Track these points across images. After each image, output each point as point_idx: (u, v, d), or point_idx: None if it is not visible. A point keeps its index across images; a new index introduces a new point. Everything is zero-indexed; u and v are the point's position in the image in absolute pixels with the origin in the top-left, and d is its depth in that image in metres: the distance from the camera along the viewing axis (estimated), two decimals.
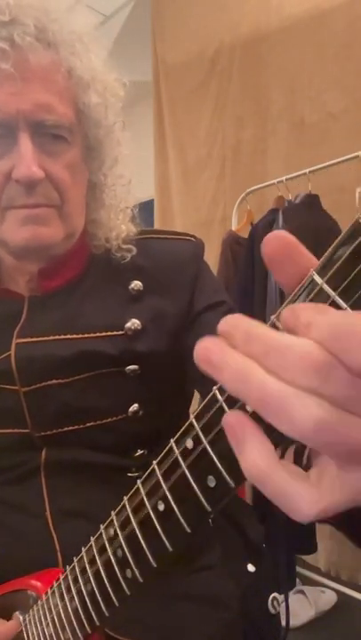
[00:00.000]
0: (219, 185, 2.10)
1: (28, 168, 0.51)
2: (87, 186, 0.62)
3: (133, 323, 0.58)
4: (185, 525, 0.30)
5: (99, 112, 0.57)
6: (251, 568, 0.63)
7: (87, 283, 0.62)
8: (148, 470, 0.34)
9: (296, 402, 0.20)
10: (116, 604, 0.37)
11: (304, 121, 1.76)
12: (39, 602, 0.49)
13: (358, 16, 1.58)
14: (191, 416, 0.30)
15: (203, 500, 0.29)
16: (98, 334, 0.58)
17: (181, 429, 0.30)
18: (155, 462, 0.33)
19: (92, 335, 0.58)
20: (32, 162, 0.52)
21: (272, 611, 0.62)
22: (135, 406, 0.59)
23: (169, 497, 0.31)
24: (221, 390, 0.27)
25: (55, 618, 0.45)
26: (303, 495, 0.22)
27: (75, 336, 0.58)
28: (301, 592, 1.58)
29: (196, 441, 0.29)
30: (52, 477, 0.59)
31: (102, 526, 0.39)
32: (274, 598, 0.62)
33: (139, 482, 0.35)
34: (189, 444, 0.29)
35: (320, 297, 0.23)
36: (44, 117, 0.52)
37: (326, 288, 0.23)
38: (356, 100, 1.61)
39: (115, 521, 0.37)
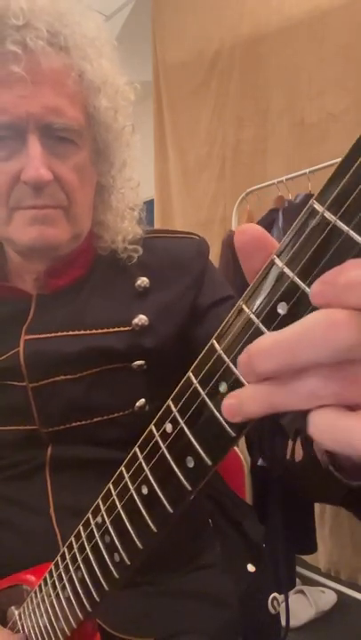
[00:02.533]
0: (219, 185, 2.09)
1: (36, 170, 0.52)
2: (95, 188, 0.63)
3: (140, 319, 0.59)
4: (168, 506, 0.31)
5: (109, 116, 0.58)
6: (251, 568, 0.63)
7: (94, 280, 0.63)
8: (130, 454, 0.35)
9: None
10: (106, 588, 0.38)
11: (304, 121, 1.76)
12: (32, 594, 0.49)
13: (358, 16, 1.58)
14: (168, 399, 0.31)
15: (183, 480, 0.29)
16: (105, 330, 0.59)
17: (159, 413, 0.32)
18: (136, 446, 0.34)
19: (99, 331, 0.59)
20: (40, 164, 0.52)
21: (272, 611, 0.62)
22: (142, 401, 0.60)
23: (151, 479, 0.32)
24: (195, 373, 0.28)
25: (49, 608, 0.45)
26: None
27: (82, 332, 0.59)
28: (301, 592, 1.58)
29: (174, 423, 0.30)
30: (57, 474, 0.59)
31: (90, 513, 0.40)
32: (274, 598, 0.63)
33: (122, 466, 0.36)
34: (168, 427, 0.30)
35: (281, 280, 0.24)
36: (53, 120, 0.53)
37: (287, 271, 0.24)
38: (356, 100, 1.61)
39: (101, 506, 0.38)
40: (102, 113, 0.57)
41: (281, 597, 0.64)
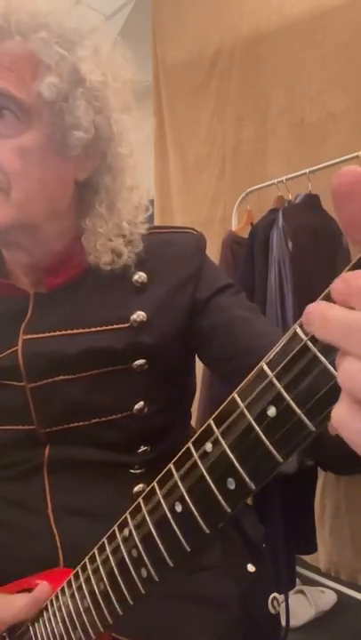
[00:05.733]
0: (219, 185, 2.09)
1: None
2: (82, 187, 0.61)
3: (139, 315, 0.59)
4: (203, 526, 0.30)
5: (57, 97, 0.53)
6: (251, 568, 0.63)
7: (91, 278, 0.62)
8: (164, 471, 0.34)
9: None
10: (131, 602, 0.38)
11: (304, 121, 1.76)
12: (48, 602, 0.49)
13: (358, 16, 1.58)
14: (210, 420, 0.30)
15: (222, 501, 0.29)
16: (104, 328, 0.59)
17: (199, 432, 0.31)
18: (171, 463, 0.33)
19: (97, 329, 0.58)
20: None
21: (272, 611, 0.62)
22: (141, 404, 0.59)
23: (187, 498, 0.31)
24: (242, 395, 0.28)
25: (66, 617, 0.45)
26: None
27: (81, 330, 0.58)
28: (301, 592, 1.58)
29: (216, 444, 0.29)
30: (55, 474, 0.59)
31: (116, 526, 0.39)
32: (274, 598, 0.62)
33: (155, 482, 0.35)
34: (208, 447, 0.30)
35: None
36: None
37: None
38: (356, 100, 1.61)
39: (129, 521, 0.37)
40: (46, 91, 0.53)
41: (281, 597, 0.64)
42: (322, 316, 0.23)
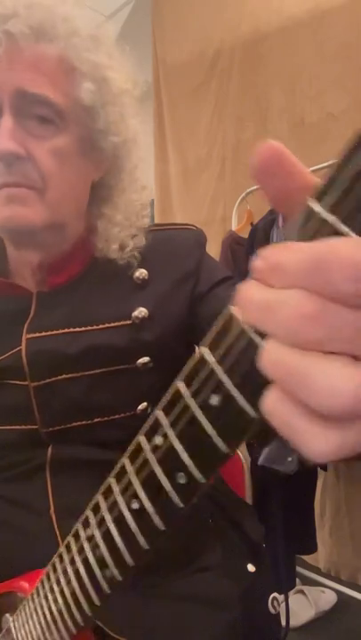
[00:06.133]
0: (219, 185, 2.09)
1: (4, 143, 0.52)
2: (96, 187, 0.63)
3: (140, 311, 0.59)
4: (159, 523, 0.29)
5: (95, 103, 0.56)
6: (251, 568, 0.63)
7: (93, 276, 0.63)
8: (118, 465, 0.33)
9: (317, 373, 0.18)
10: (97, 603, 0.37)
11: (304, 121, 1.76)
12: (25, 603, 0.49)
13: (358, 16, 1.58)
14: (157, 410, 0.29)
15: (175, 496, 0.28)
16: (106, 325, 0.59)
17: (149, 423, 0.30)
18: (124, 457, 0.32)
19: (100, 327, 0.59)
20: (9, 137, 0.52)
21: (272, 611, 0.62)
22: (144, 404, 0.59)
23: (141, 494, 0.30)
24: (188, 382, 0.26)
25: (42, 619, 0.44)
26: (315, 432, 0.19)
27: (83, 329, 0.59)
28: (301, 592, 1.57)
29: (164, 436, 0.28)
30: (57, 474, 0.59)
31: (79, 524, 0.38)
32: (274, 598, 0.62)
33: (111, 479, 0.34)
34: (158, 440, 0.29)
35: (322, 229, 0.20)
36: (27, 87, 0.52)
37: (326, 215, 0.20)
38: (356, 100, 1.61)
39: (91, 519, 0.36)
40: (86, 98, 0.56)
41: (281, 597, 0.64)
42: (244, 297, 0.21)
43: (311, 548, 1.54)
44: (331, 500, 1.69)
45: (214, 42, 2.05)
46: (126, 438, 0.61)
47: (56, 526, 0.57)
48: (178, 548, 0.58)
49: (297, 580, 1.64)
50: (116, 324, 0.59)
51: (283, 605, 0.64)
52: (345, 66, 1.63)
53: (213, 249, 1.77)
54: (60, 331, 0.59)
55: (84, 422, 0.59)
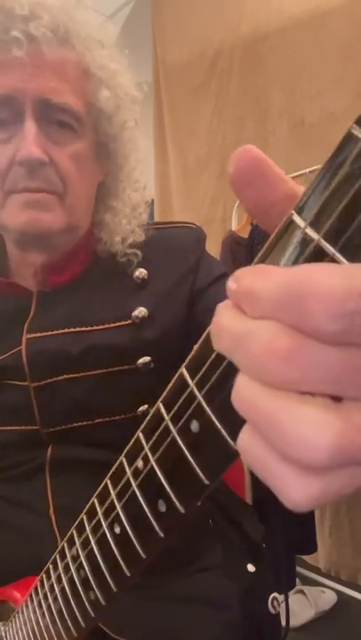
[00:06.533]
0: (219, 185, 2.09)
1: (28, 149, 0.52)
2: (98, 188, 0.64)
3: (140, 311, 0.59)
4: (140, 550, 0.27)
5: (110, 109, 0.58)
6: (251, 568, 0.63)
7: (93, 276, 0.63)
8: (102, 486, 0.32)
9: (290, 420, 0.16)
10: (83, 625, 0.35)
11: (304, 121, 1.76)
12: (16, 614, 0.49)
13: (358, 16, 1.58)
14: (139, 431, 0.27)
15: (155, 525, 0.26)
16: (106, 326, 0.59)
17: (130, 444, 0.28)
18: (107, 478, 0.31)
19: (100, 327, 0.59)
20: (33, 143, 0.52)
21: (272, 611, 0.62)
22: (145, 407, 0.59)
23: (123, 519, 0.28)
24: (166, 405, 0.24)
25: (30, 632, 0.44)
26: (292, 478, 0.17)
27: (84, 329, 0.59)
28: (301, 592, 1.57)
29: (145, 460, 0.26)
30: (57, 475, 0.59)
31: (64, 541, 0.37)
32: (274, 598, 0.62)
33: (94, 498, 0.33)
34: (140, 464, 0.27)
35: (304, 248, 0.17)
36: (51, 97, 0.53)
37: (310, 232, 0.17)
38: (356, 100, 1.61)
39: (75, 538, 0.35)
40: (103, 104, 0.57)
41: (281, 597, 0.64)
42: (216, 321, 0.19)
43: (311, 547, 1.54)
44: None
45: (214, 42, 2.05)
46: (127, 440, 0.61)
47: (55, 526, 0.57)
48: (178, 549, 0.58)
49: (297, 579, 1.64)
50: (117, 324, 0.59)
51: (283, 605, 0.64)
52: (345, 66, 1.63)
53: (213, 249, 1.77)
54: (61, 331, 0.59)
55: (84, 423, 0.59)
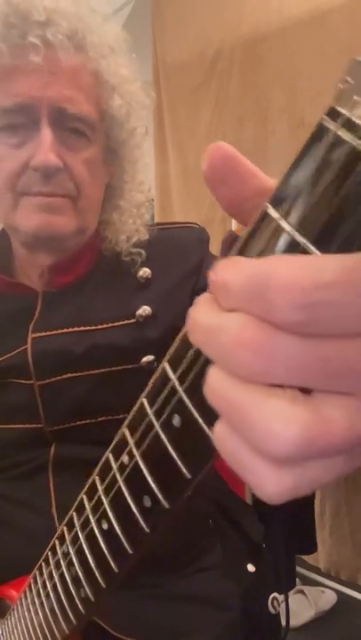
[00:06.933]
0: None
1: (45, 155, 0.53)
2: (105, 189, 0.64)
3: (144, 309, 0.59)
4: (127, 546, 0.28)
5: (121, 115, 0.59)
6: (251, 568, 0.63)
7: (98, 276, 0.64)
8: (89, 481, 0.32)
9: (258, 412, 0.16)
10: (74, 622, 0.36)
11: (304, 121, 1.76)
12: (11, 611, 0.49)
13: (358, 16, 1.58)
14: (123, 427, 0.27)
15: (141, 520, 0.26)
16: (110, 325, 0.59)
17: (116, 439, 0.28)
18: (95, 474, 0.31)
19: (104, 326, 0.59)
20: (50, 150, 0.53)
21: (272, 611, 0.62)
22: None
23: (110, 515, 0.29)
24: (151, 399, 0.24)
25: (24, 630, 0.44)
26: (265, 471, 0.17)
27: (88, 328, 0.59)
28: (301, 592, 1.58)
29: (130, 455, 0.26)
30: (60, 473, 0.59)
31: (55, 539, 0.37)
32: (274, 598, 0.63)
33: (82, 494, 0.33)
34: (125, 459, 0.27)
35: (277, 240, 0.17)
36: (67, 106, 0.54)
37: (284, 224, 0.17)
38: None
39: (66, 534, 0.35)
40: (115, 111, 0.58)
41: (281, 597, 0.64)
42: (191, 315, 0.19)
43: (311, 547, 1.54)
44: (331, 499, 1.69)
45: (214, 42, 2.05)
46: None
47: (57, 525, 0.57)
48: (178, 549, 0.58)
49: (297, 580, 1.64)
50: (121, 322, 0.60)
51: (283, 605, 0.64)
52: (345, 66, 1.63)
53: (213, 249, 1.77)
54: (66, 330, 0.59)
55: (88, 421, 0.59)
